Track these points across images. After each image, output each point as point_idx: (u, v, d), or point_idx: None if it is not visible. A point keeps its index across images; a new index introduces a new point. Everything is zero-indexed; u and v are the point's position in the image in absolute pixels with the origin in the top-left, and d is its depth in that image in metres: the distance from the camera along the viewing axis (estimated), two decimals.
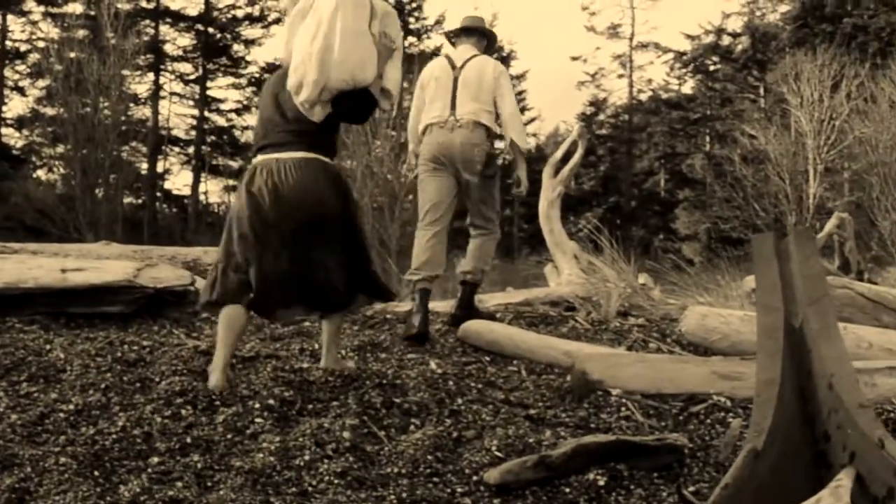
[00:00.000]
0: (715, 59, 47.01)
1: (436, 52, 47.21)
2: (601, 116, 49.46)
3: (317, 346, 4.41)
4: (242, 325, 3.87)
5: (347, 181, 4.68)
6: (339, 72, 4.29)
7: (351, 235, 4.28)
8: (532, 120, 51.02)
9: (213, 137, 45.90)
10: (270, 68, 45.75)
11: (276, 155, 4.34)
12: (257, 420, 3.25)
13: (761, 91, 41.74)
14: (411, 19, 48.81)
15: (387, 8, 4.70)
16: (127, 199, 37.40)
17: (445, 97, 6.16)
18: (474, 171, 6.03)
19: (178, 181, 48.86)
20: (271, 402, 3.39)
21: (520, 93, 49.75)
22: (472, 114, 6.11)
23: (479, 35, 6.64)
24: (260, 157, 4.40)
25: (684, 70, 48.63)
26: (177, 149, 45.90)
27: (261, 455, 2.93)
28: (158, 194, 43.61)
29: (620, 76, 49.30)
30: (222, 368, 3.70)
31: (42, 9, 43.62)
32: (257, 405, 3.36)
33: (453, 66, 6.33)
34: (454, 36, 6.70)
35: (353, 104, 4.49)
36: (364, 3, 4.51)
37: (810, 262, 2.50)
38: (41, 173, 39.98)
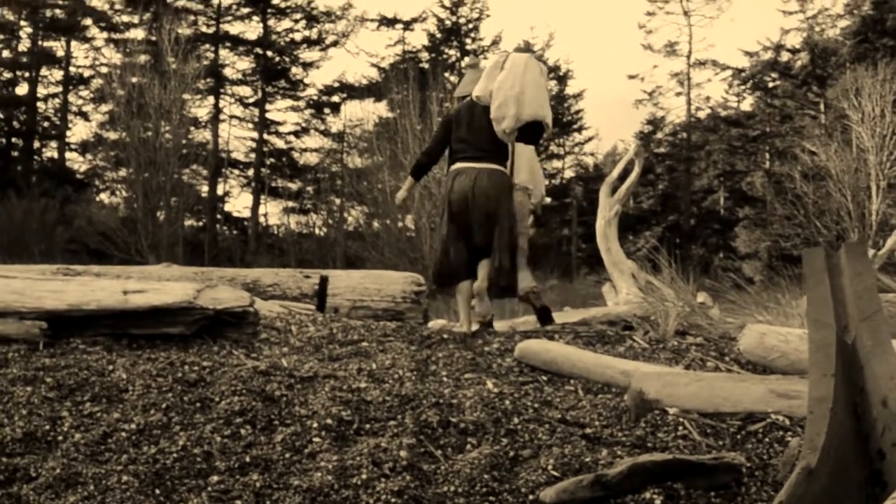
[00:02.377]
0: (774, 75, 46.62)
1: (475, 52, 47.20)
2: (659, 135, 49.27)
3: (374, 366, 4.44)
4: (467, 292, 6.31)
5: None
6: (529, 109, 6.31)
7: (510, 231, 6.41)
8: (590, 139, 51.08)
9: (272, 160, 46.37)
10: (328, 90, 46.25)
11: (473, 164, 6.37)
12: (315, 439, 3.28)
13: (821, 107, 41.30)
14: (468, 40, 49.02)
15: (544, 67, 6.78)
16: (188, 222, 37.89)
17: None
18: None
19: (238, 203, 49.36)
20: (329, 421, 3.42)
21: (576, 112, 49.82)
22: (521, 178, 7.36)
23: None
24: (459, 165, 6.43)
25: (743, 87, 48.30)
26: (236, 171, 46.42)
27: (319, 474, 2.96)
28: (219, 216, 44.10)
29: (678, 94, 49.09)
30: (467, 323, 6.24)
31: (105, 35, 44.47)
32: (315, 425, 3.39)
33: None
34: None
35: (532, 132, 6.49)
36: (538, 62, 6.68)
37: (862, 278, 2.48)
38: (104, 197, 40.65)
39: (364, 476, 2.95)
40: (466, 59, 8.50)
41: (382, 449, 3.15)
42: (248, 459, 3.11)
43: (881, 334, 2.42)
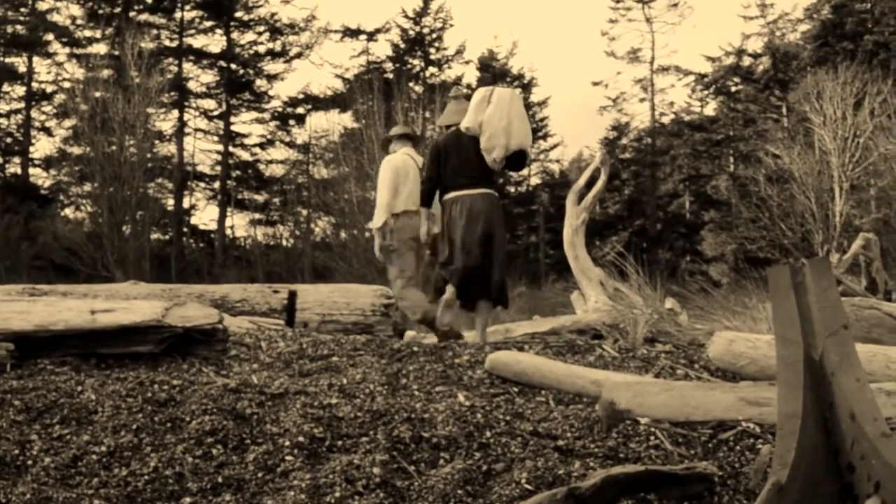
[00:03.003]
0: (736, 80, 47.01)
1: (457, 82, 47.43)
2: (624, 140, 49.53)
3: (345, 381, 4.43)
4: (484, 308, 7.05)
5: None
6: (516, 140, 7.16)
7: (504, 247, 7.30)
8: (555, 146, 51.17)
9: (238, 172, 46.23)
10: (293, 102, 46.15)
11: (469, 191, 7.13)
12: (287, 458, 3.27)
13: (784, 111, 41.67)
14: (432, 49, 49.08)
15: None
16: (154, 236, 37.70)
17: (417, 191, 7.78)
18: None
19: (205, 216, 49.16)
20: (301, 439, 3.41)
21: (541, 119, 49.92)
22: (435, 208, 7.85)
23: (412, 138, 8.67)
24: (455, 193, 7.17)
25: (706, 92, 48.65)
26: (202, 184, 46.23)
27: (292, 493, 2.95)
28: (185, 230, 43.90)
29: (642, 100, 49.40)
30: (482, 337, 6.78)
31: (67, 50, 44.16)
32: (287, 443, 3.38)
33: (419, 166, 8.05)
34: (394, 139, 8.56)
35: (518, 159, 7.37)
36: (520, 96, 7.51)
37: (827, 294, 2.51)
38: (69, 212, 40.34)
39: (337, 494, 2.95)
40: (452, 90, 8.49)
41: (355, 466, 3.15)
42: (220, 480, 3.10)
43: (847, 349, 2.44)
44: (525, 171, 50.82)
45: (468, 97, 7.66)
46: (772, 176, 34.11)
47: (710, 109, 48.88)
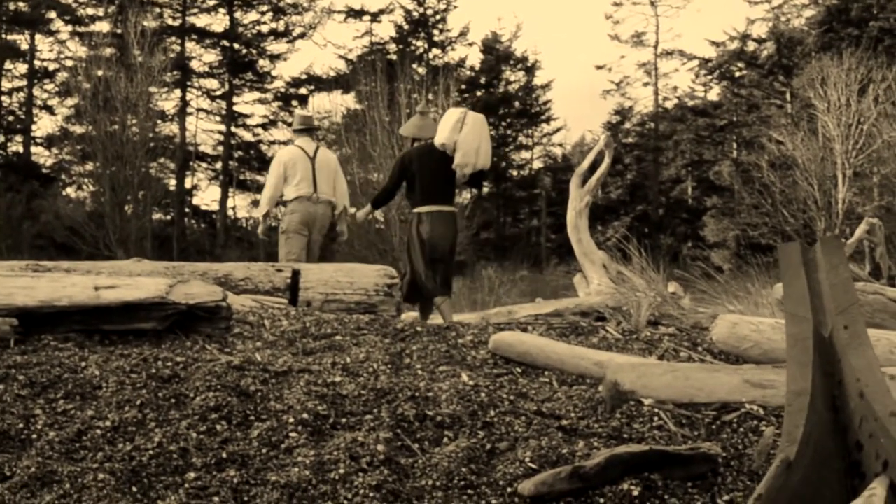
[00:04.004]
0: (740, 65, 46.91)
1: (461, 64, 47.37)
2: (627, 125, 49.49)
3: (348, 360, 4.43)
4: (429, 307, 8.15)
5: None
6: (482, 160, 8.21)
7: (455, 253, 8.54)
8: (558, 130, 51.15)
9: (240, 152, 46.21)
10: (296, 83, 46.12)
11: (443, 208, 8.23)
12: (292, 434, 3.27)
13: (788, 96, 41.57)
14: (435, 31, 48.97)
15: None
16: (156, 216, 37.71)
17: (309, 178, 9.20)
18: (324, 233, 9.45)
19: (207, 196, 49.13)
20: (305, 416, 3.41)
21: (544, 102, 49.87)
22: (327, 193, 9.31)
23: (315, 130, 10.19)
24: (429, 207, 8.19)
25: (710, 77, 48.59)
26: (204, 164, 46.23)
27: (296, 469, 2.95)
28: (187, 210, 43.91)
29: (646, 84, 49.47)
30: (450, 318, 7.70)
31: (69, 28, 44.12)
32: (291, 420, 3.38)
33: (308, 155, 9.32)
34: (296, 131, 9.81)
35: (480, 176, 8.44)
36: (484, 118, 8.49)
37: (838, 271, 2.50)
38: (71, 191, 40.36)
39: (342, 471, 2.95)
40: (420, 106, 10.18)
41: (359, 443, 3.15)
42: (224, 455, 3.10)
43: (857, 326, 2.44)
44: (527, 155, 50.95)
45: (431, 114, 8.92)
46: (775, 162, 34.09)
47: (714, 94, 48.86)
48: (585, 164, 9.32)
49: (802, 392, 2.33)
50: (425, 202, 8.22)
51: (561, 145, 51.94)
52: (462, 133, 8.08)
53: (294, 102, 46.66)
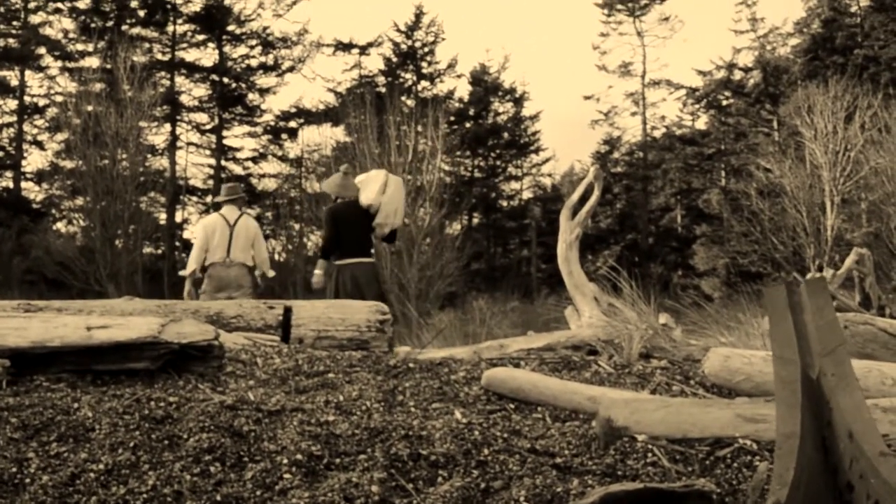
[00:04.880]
0: (727, 93, 47.29)
1: (449, 96, 47.54)
2: (616, 154, 49.79)
3: (341, 398, 4.43)
4: None
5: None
6: (398, 220, 9.58)
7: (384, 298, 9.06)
8: (547, 160, 51.48)
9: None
10: (285, 116, 46.33)
11: (356, 259, 9.34)
12: (286, 476, 3.26)
13: (775, 124, 41.91)
14: (424, 64, 49.21)
15: None
16: (146, 250, 37.75)
17: (224, 245, 10.17)
18: (241, 291, 10.05)
19: (197, 230, 49.03)
20: (299, 456, 3.41)
21: (533, 133, 50.10)
22: (241, 258, 10.24)
23: (240, 200, 10.86)
24: (349, 260, 9.35)
25: (697, 106, 48.94)
26: (195, 198, 46.36)
27: None
28: (178, 244, 43.87)
29: (633, 114, 49.75)
30: None
31: (59, 63, 44.27)
32: (285, 461, 3.37)
33: (228, 224, 10.34)
34: (218, 202, 10.96)
35: (394, 234, 9.81)
36: (402, 181, 9.68)
37: (824, 313, 2.52)
38: (61, 226, 40.43)
39: None
40: (343, 167, 10.53)
41: (354, 484, 3.15)
42: (219, 498, 3.09)
43: (844, 367, 2.46)
44: (517, 185, 51.16)
45: (354, 174, 10.24)
46: (763, 190, 34.26)
47: (702, 123, 49.21)
48: (575, 196, 9.34)
49: (792, 435, 2.34)
50: (346, 255, 9.46)
51: (550, 175, 52.26)
52: (385, 196, 9.38)
53: (283, 136, 46.86)
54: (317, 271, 10.09)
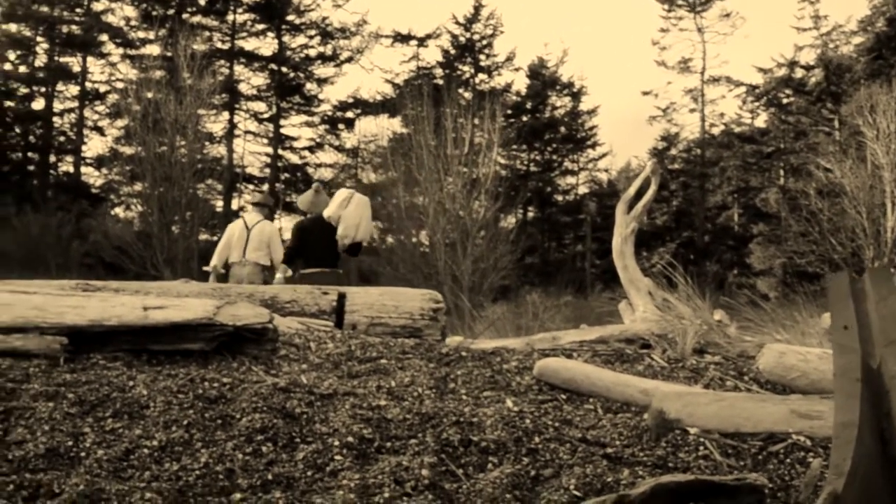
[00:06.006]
0: (788, 91, 46.72)
1: (507, 89, 47.46)
2: (673, 151, 49.41)
3: (393, 383, 4.45)
4: None
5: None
6: (360, 234, 10.21)
7: None
8: (604, 155, 51.19)
9: (286, 175, 46.62)
10: (343, 106, 46.51)
11: (319, 269, 10.03)
12: (337, 457, 3.28)
13: (836, 124, 41.34)
14: (482, 56, 49.14)
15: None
16: (203, 236, 38.02)
17: (241, 246, 11.41)
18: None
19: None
20: (350, 439, 3.42)
21: (590, 128, 49.87)
22: (255, 257, 11.37)
23: (262, 206, 12.30)
24: (311, 270, 10.10)
25: (757, 103, 48.43)
26: (251, 186, 46.65)
27: (341, 492, 2.96)
28: None
29: (692, 110, 49.42)
30: None
31: (121, 51, 44.85)
32: (336, 443, 3.39)
33: (246, 227, 11.60)
34: (250, 206, 12.56)
35: (357, 247, 10.40)
36: (368, 201, 10.49)
37: (887, 302, 2.48)
38: (119, 211, 40.90)
39: (386, 494, 2.95)
40: (314, 185, 11.49)
41: (404, 467, 3.15)
42: (270, 477, 3.11)
43: None
44: (573, 180, 50.98)
45: (329, 193, 11.32)
46: (822, 190, 33.83)
47: (761, 121, 48.69)
48: (631, 190, 9.27)
49: (850, 424, 2.30)
50: (310, 265, 10.32)
51: (606, 171, 51.99)
52: (346, 210, 10.12)
53: (340, 126, 47.05)
54: (278, 275, 10.98)
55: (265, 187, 45.63)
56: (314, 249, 10.31)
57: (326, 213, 10.24)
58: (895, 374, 2.38)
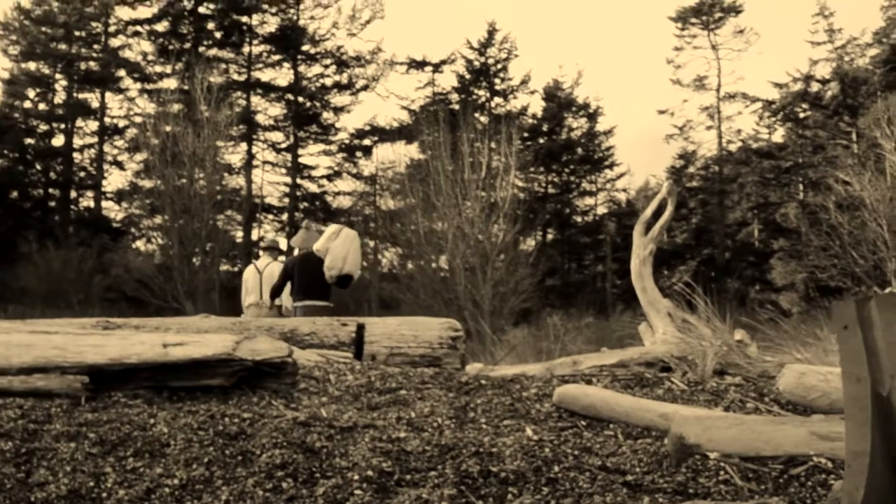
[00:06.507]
0: (804, 106, 46.57)
1: (523, 112, 47.52)
2: (691, 169, 49.30)
3: (413, 414, 4.45)
4: None
5: None
6: (348, 267, 10.49)
7: None
8: (622, 175, 51.14)
9: (305, 203, 46.77)
10: (359, 134, 46.68)
11: (310, 302, 10.54)
12: (356, 492, 3.28)
13: (854, 136, 41.21)
14: (497, 80, 49.26)
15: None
16: (223, 267, 38.17)
17: (256, 289, 12.13)
18: None
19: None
20: (370, 473, 3.43)
21: (607, 148, 49.83)
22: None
23: (272, 249, 13.14)
24: (303, 302, 10.62)
25: (773, 119, 48.29)
26: (271, 216, 46.93)
27: None
28: (254, 261, 44.31)
29: (709, 128, 49.26)
30: None
31: (138, 85, 45.18)
32: (356, 477, 3.40)
33: (258, 271, 12.38)
34: (262, 249, 13.78)
35: (345, 280, 10.61)
36: (358, 237, 10.87)
37: (894, 329, 2.47)
38: (140, 244, 41.12)
39: None
40: (304, 223, 12.38)
41: (424, 500, 3.16)
42: None
43: None
44: (591, 201, 50.97)
45: (318, 230, 11.59)
46: (842, 203, 33.67)
47: (779, 136, 48.55)
48: (648, 211, 9.26)
49: (861, 453, 2.30)
50: (301, 298, 10.70)
51: (625, 190, 51.93)
52: (334, 243, 10.47)
53: (358, 153, 47.20)
54: (271, 305, 11.78)
55: (284, 216, 45.79)
56: (306, 283, 10.72)
57: (316, 247, 10.65)
58: None
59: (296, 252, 11.70)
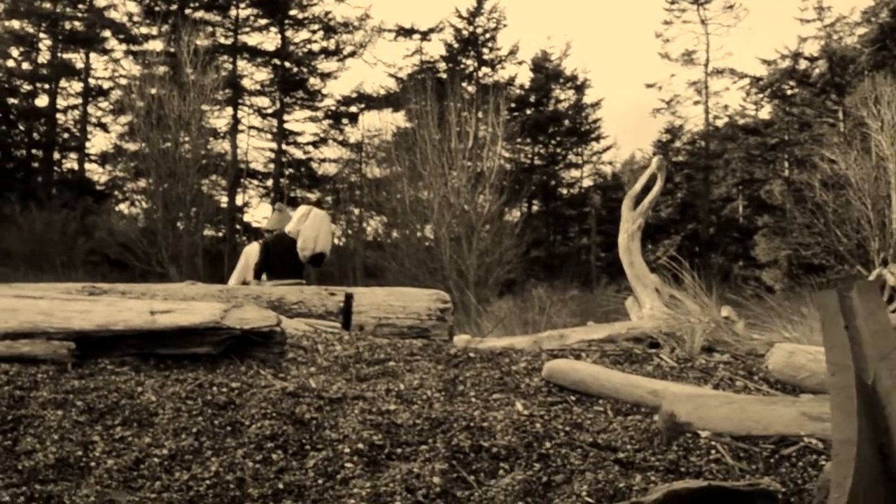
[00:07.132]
0: (792, 83, 46.58)
1: (510, 82, 47.42)
2: (677, 143, 49.32)
3: (402, 386, 4.44)
4: None
5: None
6: (320, 246, 10.78)
7: None
8: (608, 148, 51.10)
9: (290, 170, 46.61)
10: (346, 101, 46.48)
11: (286, 280, 10.27)
12: (347, 465, 3.27)
13: (840, 115, 41.25)
14: (485, 49, 49.09)
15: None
16: (207, 232, 38.06)
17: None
18: None
19: (258, 213, 49.55)
20: (360, 446, 3.41)
21: (594, 121, 49.79)
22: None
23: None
24: (276, 281, 10.49)
25: (761, 95, 48.29)
26: (255, 181, 46.76)
27: (352, 501, 2.95)
28: (238, 227, 44.24)
29: (696, 103, 49.23)
30: None
31: (124, 47, 44.85)
32: (347, 449, 3.38)
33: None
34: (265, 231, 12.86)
35: (318, 258, 10.90)
36: (327, 215, 11.21)
37: (876, 317, 2.48)
38: (124, 207, 40.86)
39: (398, 503, 2.94)
40: (277, 205, 13.34)
41: (415, 475, 3.14)
42: (281, 486, 3.10)
43: None
44: (577, 173, 50.99)
45: (290, 210, 12.17)
46: (827, 181, 33.74)
47: (765, 113, 48.57)
48: (638, 186, 9.25)
49: (848, 441, 2.29)
50: (277, 277, 10.87)
51: (611, 163, 51.93)
52: (305, 225, 10.83)
53: (344, 120, 47.02)
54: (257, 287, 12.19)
55: (269, 182, 45.67)
56: (282, 263, 11.01)
57: (288, 229, 11.01)
58: (890, 390, 2.37)
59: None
